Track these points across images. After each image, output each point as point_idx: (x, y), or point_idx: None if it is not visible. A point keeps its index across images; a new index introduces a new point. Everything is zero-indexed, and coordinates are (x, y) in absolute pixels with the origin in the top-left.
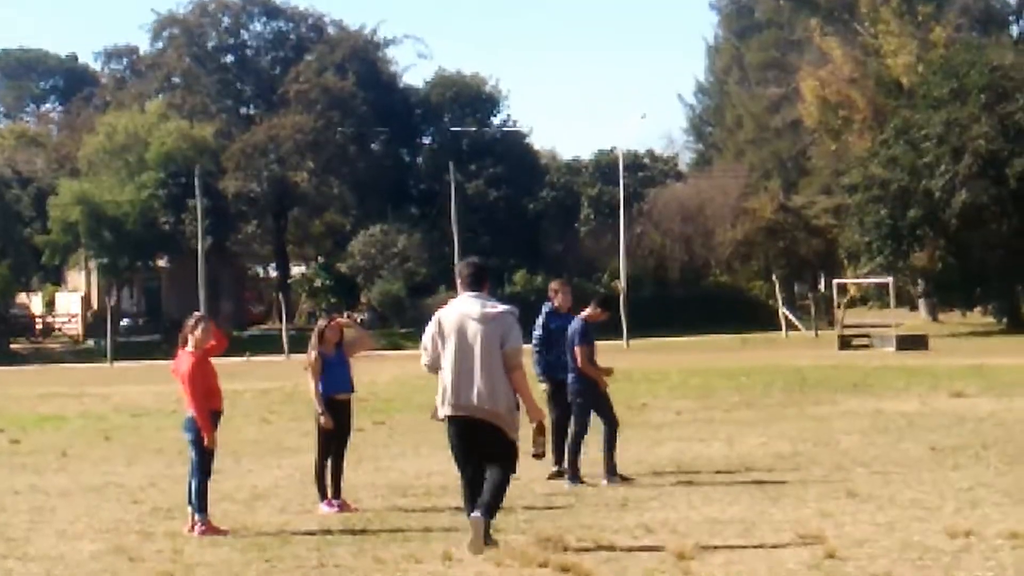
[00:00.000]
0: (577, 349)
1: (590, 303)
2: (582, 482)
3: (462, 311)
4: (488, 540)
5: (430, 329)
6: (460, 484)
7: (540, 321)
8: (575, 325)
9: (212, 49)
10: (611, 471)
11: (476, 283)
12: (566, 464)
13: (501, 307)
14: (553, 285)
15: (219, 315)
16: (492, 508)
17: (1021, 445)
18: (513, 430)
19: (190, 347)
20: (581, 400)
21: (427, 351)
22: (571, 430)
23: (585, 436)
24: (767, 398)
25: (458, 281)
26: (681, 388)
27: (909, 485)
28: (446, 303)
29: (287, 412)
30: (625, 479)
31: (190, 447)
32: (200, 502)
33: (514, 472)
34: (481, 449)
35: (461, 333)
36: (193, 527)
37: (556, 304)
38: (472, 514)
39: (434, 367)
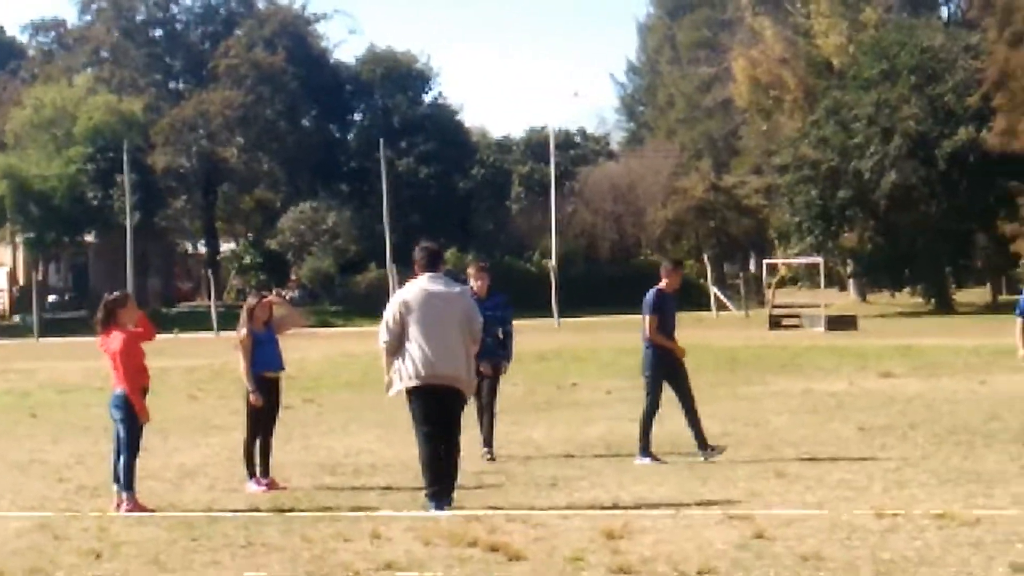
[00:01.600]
0: (646, 319)
1: (662, 273)
2: (655, 458)
3: (427, 290)
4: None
5: (393, 309)
6: (425, 456)
7: None
8: (647, 296)
9: (141, 23)
10: (703, 444)
11: (433, 264)
12: (640, 439)
13: (460, 286)
14: (470, 270)
15: (147, 291)
16: (452, 484)
17: (948, 425)
18: (471, 395)
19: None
20: (651, 373)
21: (389, 330)
22: (644, 405)
23: (657, 411)
24: (697, 378)
25: (416, 265)
26: (611, 367)
27: (837, 465)
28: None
29: (215, 389)
30: (714, 448)
31: (118, 424)
32: (127, 479)
33: (459, 432)
34: (443, 414)
35: (429, 310)
36: (119, 505)
37: (474, 290)
38: (433, 511)
39: (394, 344)
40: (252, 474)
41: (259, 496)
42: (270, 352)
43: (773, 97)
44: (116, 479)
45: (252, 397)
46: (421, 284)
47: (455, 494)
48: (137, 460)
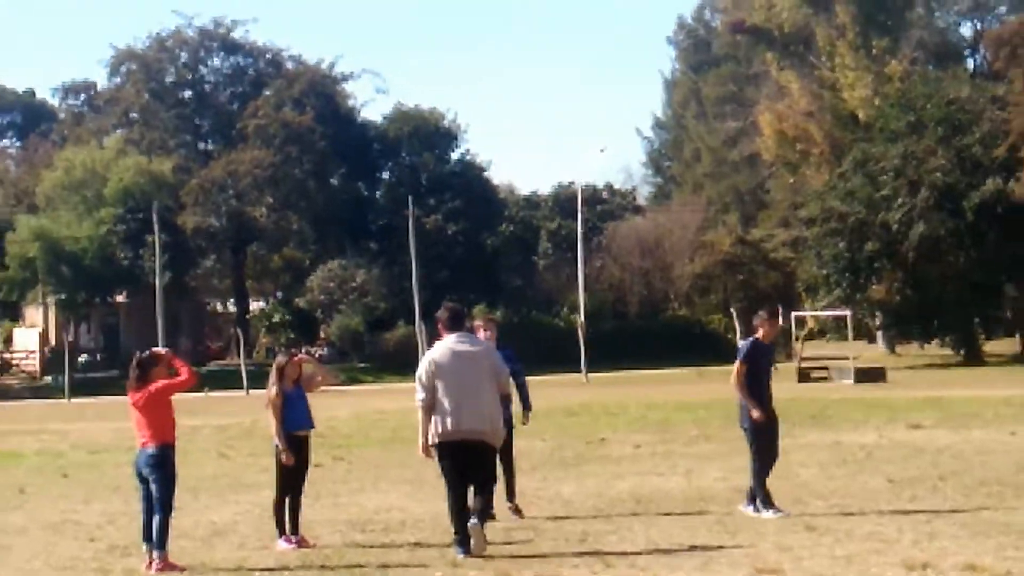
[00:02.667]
0: (735, 366)
1: (756, 322)
2: (778, 509)
3: (455, 349)
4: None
5: (424, 368)
6: (452, 505)
7: None
8: (743, 344)
9: (170, 84)
10: (762, 501)
11: (459, 324)
12: (758, 492)
13: (485, 343)
14: (477, 322)
15: (178, 350)
16: (485, 513)
17: (978, 477)
18: (499, 444)
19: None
20: (750, 425)
21: (424, 388)
22: (750, 459)
23: (773, 461)
24: (726, 431)
25: (440, 325)
26: (640, 421)
27: (867, 518)
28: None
29: (245, 448)
30: (777, 508)
31: (154, 483)
32: (161, 538)
33: (495, 481)
34: (471, 467)
35: (457, 369)
36: (151, 564)
37: None
38: (471, 522)
39: (430, 402)
40: (282, 532)
41: (289, 554)
42: (300, 410)
43: (800, 150)
44: (147, 538)
45: (284, 456)
46: (448, 344)
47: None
48: (171, 519)
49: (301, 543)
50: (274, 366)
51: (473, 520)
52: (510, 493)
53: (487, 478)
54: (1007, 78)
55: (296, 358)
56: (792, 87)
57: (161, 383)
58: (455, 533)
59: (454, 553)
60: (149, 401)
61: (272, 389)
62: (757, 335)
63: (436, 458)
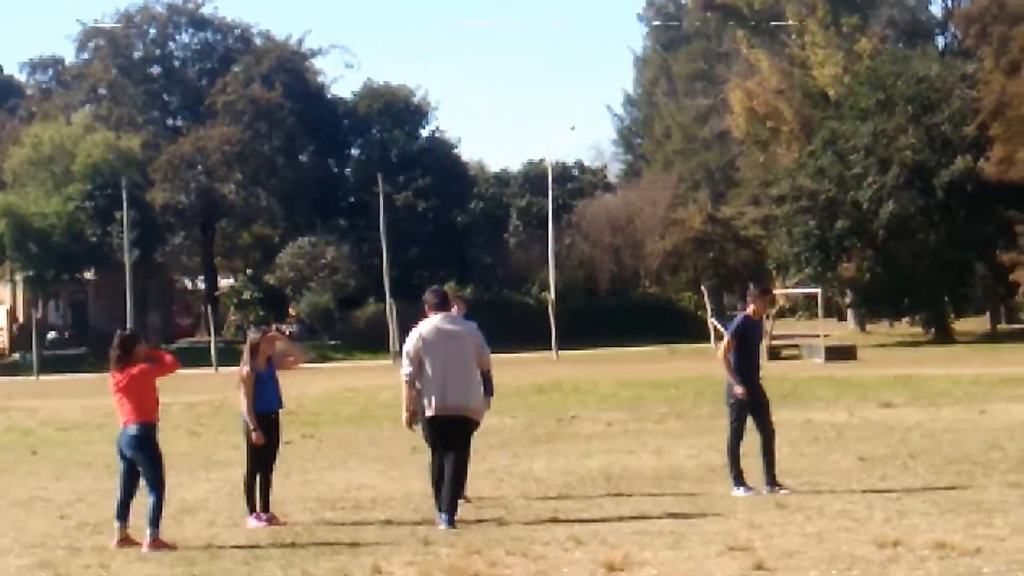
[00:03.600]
0: (725, 340)
1: (748, 298)
2: (749, 487)
3: (441, 328)
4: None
5: (412, 344)
6: (431, 469)
7: None
8: (735, 319)
9: (138, 60)
10: (771, 480)
11: (444, 306)
12: (731, 469)
13: (470, 324)
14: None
15: (147, 327)
16: (455, 503)
17: (948, 455)
18: (482, 419)
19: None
20: (735, 401)
21: (411, 363)
22: (728, 435)
23: (742, 440)
24: (697, 409)
25: (427, 306)
26: (611, 399)
27: (838, 496)
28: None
29: (216, 425)
30: (782, 487)
31: (142, 464)
32: (155, 517)
33: (469, 455)
34: (452, 438)
35: (443, 347)
36: (120, 541)
37: None
38: (442, 525)
39: (415, 376)
40: (252, 509)
41: (260, 532)
42: (271, 390)
43: (770, 128)
44: (119, 516)
45: (254, 435)
46: (435, 323)
47: (435, 529)
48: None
49: (272, 521)
50: (247, 343)
51: (443, 523)
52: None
53: (463, 452)
54: (977, 56)
55: (268, 335)
56: (762, 65)
57: (144, 366)
58: (436, 499)
59: (438, 524)
60: (131, 383)
61: (244, 368)
62: (748, 311)
63: (420, 429)
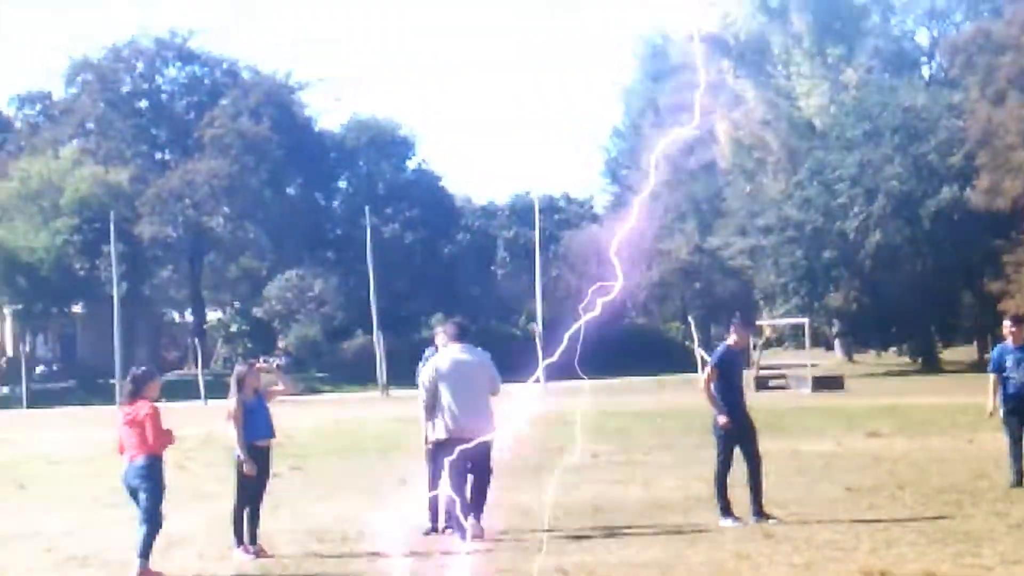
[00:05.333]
0: (707, 370)
1: (731, 328)
2: (736, 518)
3: (456, 358)
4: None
5: (427, 374)
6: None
7: (422, 366)
8: (716, 349)
9: (126, 94)
10: (758, 509)
11: (463, 336)
12: (717, 500)
13: (484, 353)
14: (437, 328)
15: (135, 361)
16: (482, 507)
17: (936, 485)
18: (494, 441)
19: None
20: (722, 432)
21: (426, 391)
22: (715, 465)
23: (729, 470)
24: (684, 440)
25: (444, 335)
26: (598, 431)
27: (825, 526)
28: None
29: (203, 458)
30: (769, 517)
31: (142, 492)
32: (145, 548)
33: (492, 472)
34: (472, 462)
35: (458, 376)
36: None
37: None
38: (471, 520)
39: (431, 403)
40: (240, 541)
41: (247, 564)
42: (261, 420)
43: (756, 158)
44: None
45: (245, 467)
46: (452, 354)
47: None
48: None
49: (259, 553)
50: (233, 376)
51: (472, 520)
52: (434, 515)
53: (484, 470)
54: (963, 85)
55: (255, 367)
56: (748, 95)
57: (150, 413)
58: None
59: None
60: (136, 421)
61: (232, 400)
62: (729, 342)
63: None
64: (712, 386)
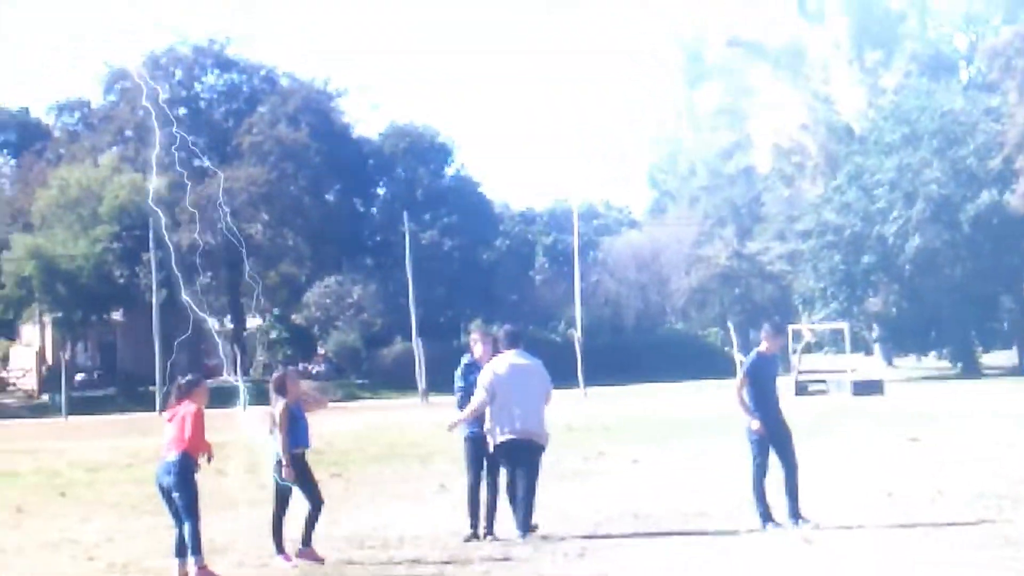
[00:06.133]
0: (738, 377)
1: (762, 335)
2: (777, 523)
3: (513, 363)
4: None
5: (488, 378)
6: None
7: (459, 373)
8: (749, 356)
9: (165, 101)
10: (795, 512)
11: (516, 342)
12: (757, 506)
13: (537, 360)
14: (473, 335)
15: (175, 368)
16: (528, 517)
17: (976, 489)
18: (547, 444)
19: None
20: (756, 437)
21: (487, 393)
22: (751, 471)
23: (766, 475)
24: (724, 446)
25: (500, 343)
26: (638, 436)
27: (866, 531)
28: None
29: (243, 464)
30: (805, 520)
31: (174, 491)
32: (195, 544)
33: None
34: (522, 461)
35: (515, 380)
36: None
37: (476, 356)
38: (519, 535)
39: (485, 404)
40: (280, 549)
41: (289, 571)
42: (302, 428)
43: (795, 163)
44: (177, 553)
45: (285, 472)
46: (509, 359)
47: (463, 568)
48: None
49: (308, 555)
50: (272, 383)
51: (519, 533)
52: (475, 521)
53: (535, 473)
54: (1001, 89)
55: (292, 371)
56: (786, 100)
57: (192, 411)
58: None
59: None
60: (177, 417)
61: (279, 405)
62: (761, 348)
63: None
64: (744, 392)
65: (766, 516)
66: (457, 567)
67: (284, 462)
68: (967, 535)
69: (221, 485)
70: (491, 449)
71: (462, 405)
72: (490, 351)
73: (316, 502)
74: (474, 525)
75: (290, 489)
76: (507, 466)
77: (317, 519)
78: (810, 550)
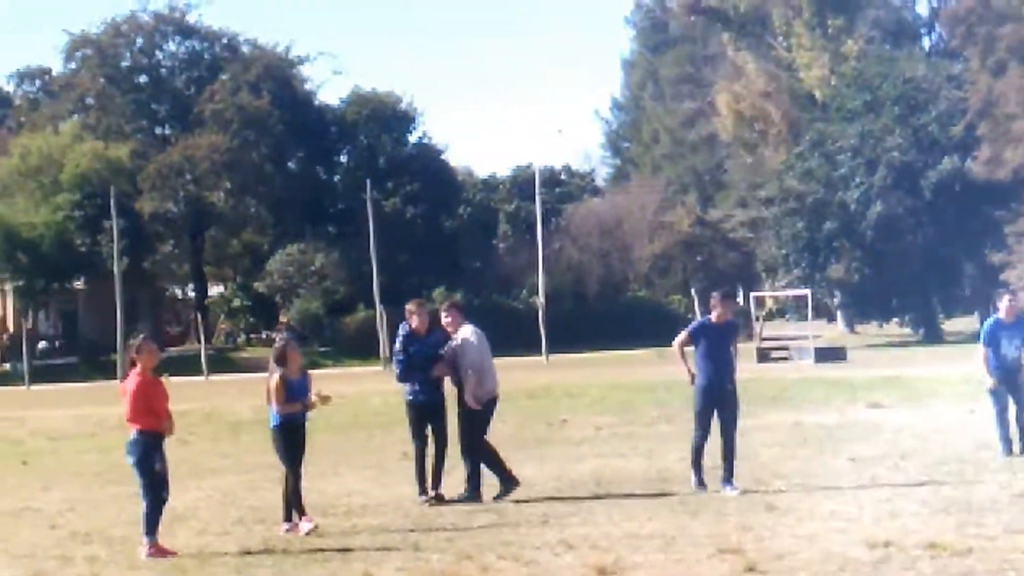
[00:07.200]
0: (681, 335)
1: (711, 303)
2: (703, 484)
3: (478, 332)
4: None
5: (480, 343)
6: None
7: (399, 345)
8: (698, 319)
9: (126, 69)
10: (727, 479)
11: (467, 317)
12: (692, 469)
13: None
14: (409, 306)
15: (137, 335)
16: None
17: (938, 455)
18: None
19: (137, 368)
20: (697, 401)
21: (480, 356)
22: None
23: (706, 440)
24: (686, 412)
25: (460, 314)
26: (601, 403)
27: (828, 497)
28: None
29: (206, 434)
30: (735, 487)
31: (132, 469)
32: (149, 524)
33: None
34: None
35: (487, 347)
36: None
37: (413, 327)
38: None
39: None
40: (302, 513)
41: (250, 538)
42: (301, 397)
43: (757, 130)
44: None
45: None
46: (472, 328)
47: (427, 536)
48: (161, 504)
49: (292, 529)
50: (273, 351)
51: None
52: (436, 483)
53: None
54: (963, 56)
55: (292, 344)
56: (748, 67)
57: (132, 389)
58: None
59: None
60: (124, 392)
61: (274, 375)
62: (711, 315)
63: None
64: (683, 349)
65: (700, 481)
66: (420, 535)
67: (314, 398)
68: (930, 500)
69: (184, 453)
70: (480, 406)
71: (404, 376)
72: (426, 323)
73: (289, 475)
74: (424, 485)
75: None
76: (487, 422)
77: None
78: (774, 515)
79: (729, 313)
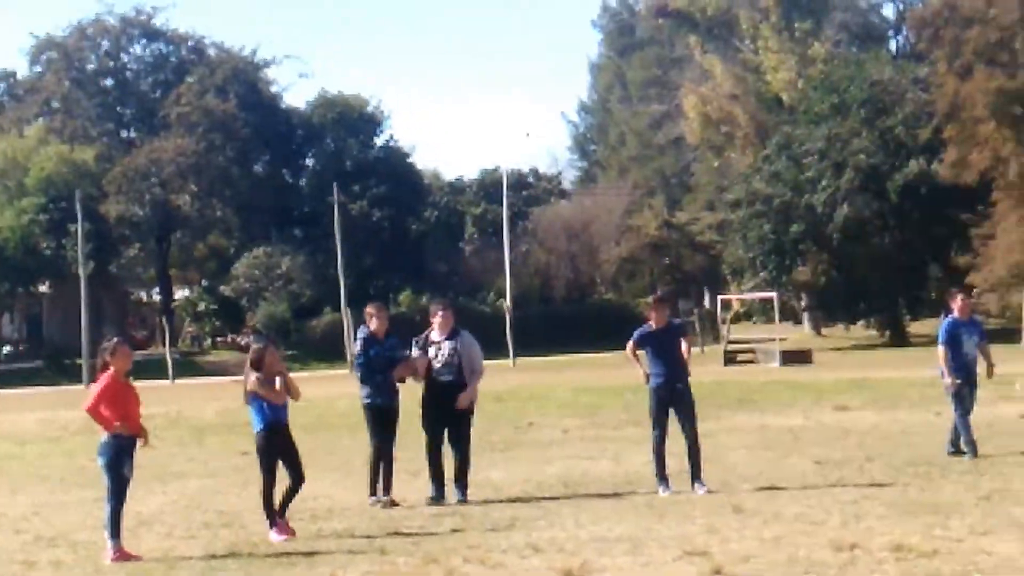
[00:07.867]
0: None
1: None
2: (667, 486)
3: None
4: None
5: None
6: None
7: (359, 348)
8: (641, 327)
9: (92, 72)
10: (695, 477)
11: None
12: (655, 471)
13: None
14: (369, 309)
15: (102, 340)
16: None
17: (904, 457)
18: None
19: (110, 371)
20: (652, 404)
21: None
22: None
23: (664, 440)
24: None
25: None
26: (568, 406)
27: (795, 499)
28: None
29: (171, 437)
30: (702, 484)
31: (103, 473)
32: (112, 528)
33: None
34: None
35: None
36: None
37: (372, 329)
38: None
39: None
40: (273, 522)
41: (217, 543)
42: (275, 405)
43: (724, 133)
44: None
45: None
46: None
47: (393, 539)
48: (123, 508)
49: (283, 530)
50: (250, 356)
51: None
52: (387, 487)
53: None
54: (929, 59)
55: (271, 346)
56: (716, 70)
57: (97, 391)
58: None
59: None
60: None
61: (251, 376)
62: (650, 323)
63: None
64: (636, 354)
65: (662, 479)
66: (386, 538)
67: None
68: (896, 503)
69: (149, 457)
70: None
71: (365, 379)
72: (384, 326)
73: (265, 479)
74: (376, 489)
75: (281, 458)
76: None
77: (268, 497)
78: (740, 518)
79: (665, 317)
